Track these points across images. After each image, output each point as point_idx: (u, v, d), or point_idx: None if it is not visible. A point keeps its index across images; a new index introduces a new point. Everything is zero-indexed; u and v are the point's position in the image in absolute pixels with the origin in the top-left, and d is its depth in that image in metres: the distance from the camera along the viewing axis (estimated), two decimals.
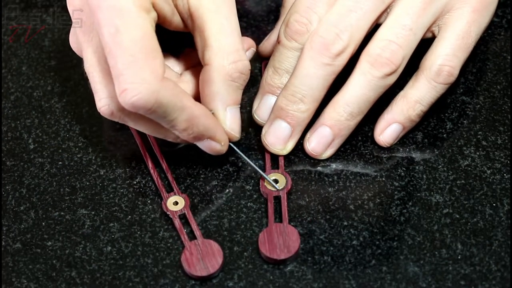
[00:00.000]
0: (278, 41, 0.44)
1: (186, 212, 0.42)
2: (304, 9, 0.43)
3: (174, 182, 0.44)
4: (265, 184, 0.43)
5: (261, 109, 0.45)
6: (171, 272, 0.41)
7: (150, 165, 0.44)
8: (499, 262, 0.40)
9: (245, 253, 0.41)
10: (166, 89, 0.38)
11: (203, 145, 0.42)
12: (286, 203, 0.42)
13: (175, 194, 0.43)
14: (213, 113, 0.42)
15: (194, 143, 0.42)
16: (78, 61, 0.50)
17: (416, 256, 0.41)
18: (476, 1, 0.43)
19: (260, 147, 0.45)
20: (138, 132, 0.46)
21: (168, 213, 0.42)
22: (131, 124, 0.41)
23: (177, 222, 0.42)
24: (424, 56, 0.44)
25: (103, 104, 0.40)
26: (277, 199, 0.43)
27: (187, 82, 0.44)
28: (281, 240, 0.40)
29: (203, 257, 0.40)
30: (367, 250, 0.41)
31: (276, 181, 0.43)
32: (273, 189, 0.43)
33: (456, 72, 0.43)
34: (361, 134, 0.46)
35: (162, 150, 0.45)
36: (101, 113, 0.41)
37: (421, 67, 0.43)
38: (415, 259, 0.40)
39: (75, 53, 0.47)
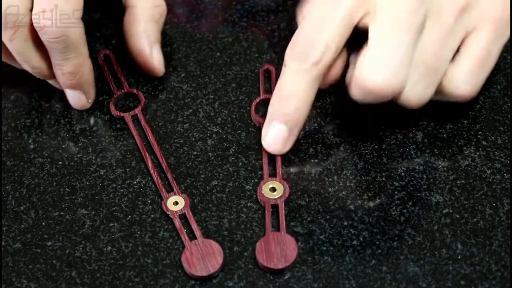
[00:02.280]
0: (284, 65, 0.44)
1: (186, 212, 0.42)
2: (311, 29, 0.43)
3: (174, 182, 0.44)
4: (263, 192, 0.43)
5: (271, 139, 0.45)
6: (171, 272, 0.41)
7: (150, 165, 0.44)
8: (499, 262, 0.40)
9: (245, 253, 0.41)
10: (78, 28, 0.42)
11: (73, 95, 0.47)
12: (283, 212, 0.42)
13: (175, 194, 0.43)
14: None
15: (66, 89, 0.46)
16: None
17: (416, 256, 0.41)
18: (496, 20, 0.42)
19: (258, 152, 0.45)
20: (139, 132, 0.46)
21: (168, 213, 0.42)
22: (20, 35, 0.43)
23: (177, 222, 0.42)
24: (445, 80, 0.42)
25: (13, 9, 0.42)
26: (275, 206, 0.43)
27: None
28: (279, 249, 0.40)
29: (203, 257, 0.40)
30: (367, 250, 0.41)
31: (273, 189, 0.43)
32: (271, 197, 0.43)
33: (475, 94, 0.43)
34: (361, 134, 0.46)
35: (163, 148, 0.45)
36: (3, 19, 0.42)
37: (441, 91, 0.43)
38: (415, 259, 0.40)
39: None
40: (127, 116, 0.47)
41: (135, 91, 0.48)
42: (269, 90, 0.48)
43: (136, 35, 0.47)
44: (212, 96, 0.48)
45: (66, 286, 0.40)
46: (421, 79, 0.41)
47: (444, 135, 0.46)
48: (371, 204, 0.43)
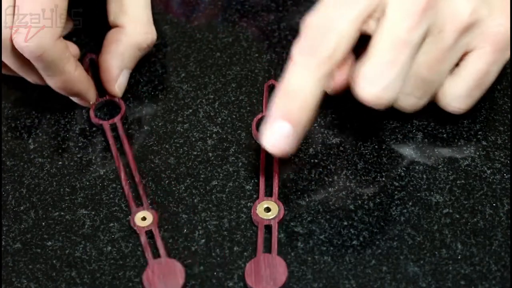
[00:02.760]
0: (290, 58, 0.42)
1: (153, 229, 0.42)
2: (322, 24, 0.41)
3: (145, 195, 0.43)
4: (257, 212, 0.42)
5: (273, 137, 0.42)
6: None
7: (122, 176, 0.44)
8: (499, 262, 0.40)
9: (245, 253, 0.41)
10: (56, 47, 0.42)
11: (74, 99, 0.47)
12: (276, 234, 0.41)
13: (143, 209, 0.43)
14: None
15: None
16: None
17: (416, 256, 0.41)
18: (498, 41, 0.42)
19: (258, 153, 0.45)
20: (116, 141, 0.46)
21: (135, 228, 0.42)
22: (9, 57, 0.44)
23: (143, 238, 0.41)
24: (440, 93, 0.43)
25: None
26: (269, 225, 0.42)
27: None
28: (268, 272, 0.39)
29: (165, 276, 0.40)
30: (367, 250, 0.41)
31: (268, 209, 0.42)
32: (265, 217, 0.42)
33: (468, 109, 0.44)
34: (361, 134, 0.46)
35: (163, 148, 0.45)
36: None
37: (436, 100, 0.43)
38: (415, 259, 0.40)
39: None
40: (106, 125, 0.47)
41: (116, 99, 0.48)
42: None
43: (112, 54, 0.47)
44: (212, 96, 0.48)
45: (66, 286, 0.40)
46: (416, 90, 0.42)
47: (444, 135, 0.46)
48: (371, 204, 0.43)
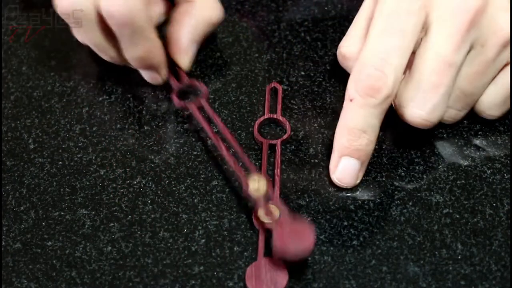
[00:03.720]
0: (350, 99, 0.41)
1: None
2: (377, 61, 0.40)
3: (252, 165, 0.42)
4: (258, 215, 0.42)
5: (342, 173, 0.43)
6: (171, 272, 0.41)
7: (225, 153, 0.43)
8: (499, 262, 0.40)
9: (245, 253, 0.41)
10: (144, 12, 0.42)
11: (147, 74, 0.47)
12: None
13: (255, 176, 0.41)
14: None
15: (139, 69, 0.47)
16: (78, 61, 0.50)
17: (416, 256, 0.41)
18: None
19: (258, 153, 0.45)
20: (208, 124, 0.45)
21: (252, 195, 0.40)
22: (91, 30, 0.44)
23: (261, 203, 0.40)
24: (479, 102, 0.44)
25: None
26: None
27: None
28: (269, 276, 0.39)
29: (295, 235, 0.39)
30: (367, 250, 0.41)
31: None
32: (266, 221, 0.41)
33: (501, 115, 0.45)
34: None
35: (163, 148, 0.45)
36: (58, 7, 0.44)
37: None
38: (415, 259, 0.40)
39: (75, 53, 0.47)
40: (194, 107, 0.46)
41: (196, 82, 0.48)
42: (274, 110, 0.47)
43: (183, 25, 0.47)
44: (212, 96, 0.48)
45: (66, 286, 0.40)
46: (456, 103, 0.43)
47: (444, 135, 0.46)
48: (371, 204, 0.43)
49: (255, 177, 0.40)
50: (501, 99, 0.43)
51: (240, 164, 0.43)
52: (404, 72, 0.41)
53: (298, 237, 0.39)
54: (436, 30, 0.41)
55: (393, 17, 0.41)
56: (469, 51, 0.41)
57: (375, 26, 0.41)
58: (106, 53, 0.46)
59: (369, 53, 0.41)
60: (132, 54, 0.45)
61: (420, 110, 0.41)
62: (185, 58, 0.48)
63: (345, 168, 0.43)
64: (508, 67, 0.42)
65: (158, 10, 0.49)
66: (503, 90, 0.43)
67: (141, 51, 0.44)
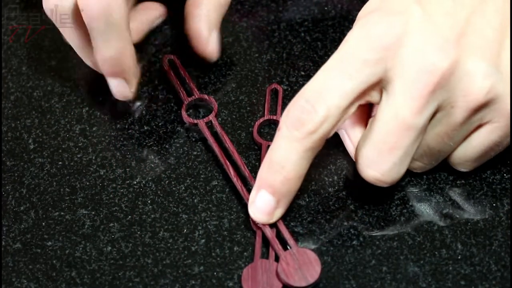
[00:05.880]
0: (278, 129, 0.39)
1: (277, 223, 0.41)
2: (312, 95, 0.38)
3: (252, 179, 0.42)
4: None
5: (257, 208, 0.40)
6: (171, 272, 0.41)
7: (232, 173, 0.43)
8: (499, 262, 0.40)
9: (245, 253, 0.41)
10: (122, 8, 0.41)
11: (115, 84, 0.45)
12: (275, 239, 0.41)
13: None
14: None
15: (108, 78, 0.45)
16: (78, 61, 0.50)
17: (416, 256, 0.41)
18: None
19: (258, 153, 0.45)
20: (215, 138, 0.45)
21: (258, 225, 0.41)
22: (64, 27, 0.44)
23: (268, 232, 0.40)
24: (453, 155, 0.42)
25: None
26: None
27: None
28: (265, 278, 0.39)
29: (301, 266, 0.39)
30: (367, 250, 0.41)
31: None
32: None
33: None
34: None
35: (163, 148, 0.45)
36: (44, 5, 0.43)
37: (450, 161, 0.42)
38: (415, 259, 0.40)
39: (75, 53, 0.47)
40: (202, 123, 0.46)
41: (206, 97, 0.47)
42: (274, 111, 0.47)
43: (197, 17, 0.47)
44: (212, 96, 0.48)
45: (66, 286, 0.40)
46: (423, 158, 0.41)
47: None
48: (371, 204, 0.43)
49: None
50: (474, 157, 0.41)
51: (247, 188, 0.43)
52: (366, 126, 0.40)
53: (304, 272, 0.39)
54: (397, 89, 0.38)
55: (347, 60, 0.38)
56: (438, 110, 0.38)
57: (327, 63, 0.39)
58: (87, 56, 0.46)
59: (309, 87, 0.39)
60: (104, 53, 0.43)
61: (374, 171, 0.39)
62: (209, 48, 0.48)
63: (260, 203, 0.40)
64: (484, 128, 0.39)
65: (153, 13, 0.50)
66: (477, 149, 0.40)
67: (113, 50, 0.43)
